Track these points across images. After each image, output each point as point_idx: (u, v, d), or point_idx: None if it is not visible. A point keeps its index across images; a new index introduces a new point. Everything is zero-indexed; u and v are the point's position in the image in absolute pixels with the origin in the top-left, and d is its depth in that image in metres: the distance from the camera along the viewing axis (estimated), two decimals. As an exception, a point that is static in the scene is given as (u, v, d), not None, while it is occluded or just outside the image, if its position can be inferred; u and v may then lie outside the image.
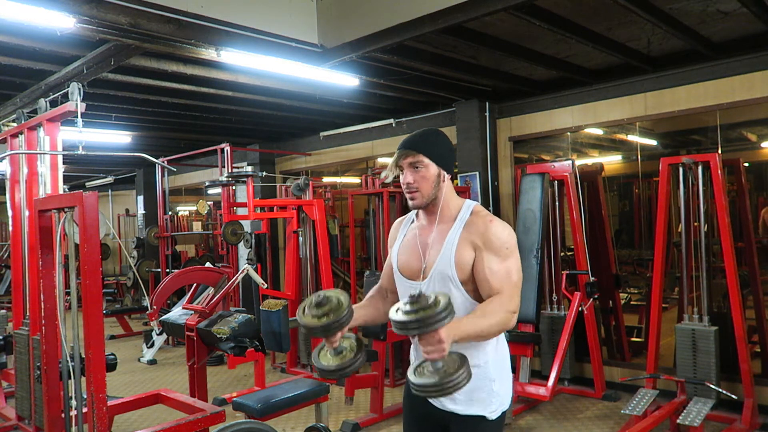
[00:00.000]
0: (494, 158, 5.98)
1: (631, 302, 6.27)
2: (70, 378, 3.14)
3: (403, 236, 2.05)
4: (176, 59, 4.32)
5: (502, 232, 1.84)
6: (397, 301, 1.94)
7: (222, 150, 6.81)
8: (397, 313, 1.60)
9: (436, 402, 1.95)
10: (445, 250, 1.86)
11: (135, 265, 8.54)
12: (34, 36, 3.65)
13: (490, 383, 1.88)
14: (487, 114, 5.92)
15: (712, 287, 4.64)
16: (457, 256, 1.84)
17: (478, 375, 1.87)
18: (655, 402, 4.27)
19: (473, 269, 1.84)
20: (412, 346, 2.06)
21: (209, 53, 3.82)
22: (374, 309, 2.11)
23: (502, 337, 1.97)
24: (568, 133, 5.73)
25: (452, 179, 1.96)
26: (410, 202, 1.93)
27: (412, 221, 2.06)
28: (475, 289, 1.86)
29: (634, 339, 5.82)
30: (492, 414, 1.89)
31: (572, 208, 5.20)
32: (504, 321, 1.76)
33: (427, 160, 1.88)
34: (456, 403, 1.90)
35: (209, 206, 9.20)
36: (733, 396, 4.08)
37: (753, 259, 4.88)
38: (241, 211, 6.74)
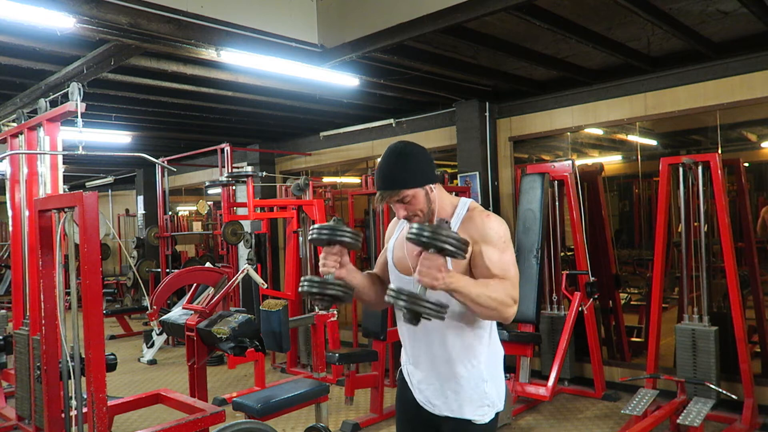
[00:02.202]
0: (494, 158, 5.98)
1: (631, 302, 6.27)
2: (70, 378, 3.14)
3: (399, 232, 2.03)
4: (176, 59, 4.32)
5: (499, 226, 1.83)
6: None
7: (222, 150, 6.81)
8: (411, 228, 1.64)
9: (427, 405, 1.93)
10: None
11: (135, 265, 8.54)
12: (34, 36, 3.64)
13: (483, 384, 1.86)
14: (487, 114, 5.92)
15: (712, 287, 4.64)
16: None
17: (471, 375, 1.86)
18: (655, 402, 4.27)
19: (471, 263, 1.81)
20: (402, 348, 2.05)
21: (209, 53, 3.82)
22: (370, 282, 2.04)
23: (495, 336, 1.95)
24: (568, 133, 5.73)
25: (440, 181, 1.94)
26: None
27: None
28: None
29: (634, 339, 5.82)
30: (483, 417, 1.86)
31: (572, 208, 5.20)
32: (504, 302, 1.70)
33: (410, 191, 1.81)
34: (447, 405, 1.88)
35: (209, 206, 9.20)
36: (733, 396, 4.08)
37: (753, 259, 4.88)
38: (241, 211, 6.74)
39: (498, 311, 1.70)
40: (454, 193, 6.24)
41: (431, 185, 1.86)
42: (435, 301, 1.61)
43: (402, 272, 1.95)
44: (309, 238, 1.82)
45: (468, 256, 1.79)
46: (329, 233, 1.77)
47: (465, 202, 1.92)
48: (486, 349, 1.89)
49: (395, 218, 2.12)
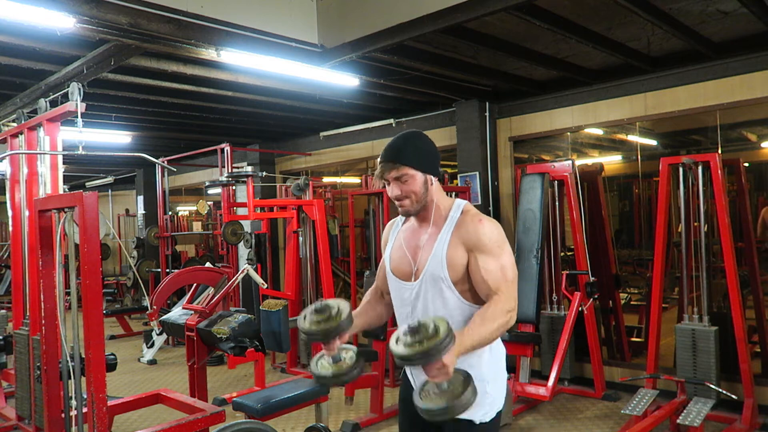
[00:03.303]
0: (494, 158, 5.98)
1: (631, 302, 6.26)
2: (70, 378, 3.14)
3: (394, 237, 2.05)
4: (176, 59, 4.32)
5: (492, 231, 1.84)
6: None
7: (222, 150, 6.81)
8: (398, 344, 1.58)
9: None
10: (436, 251, 1.86)
11: (135, 265, 8.54)
12: (34, 36, 3.64)
13: (484, 384, 1.85)
14: (487, 114, 5.92)
15: (712, 287, 4.64)
16: (449, 257, 1.84)
17: (473, 376, 1.86)
18: (655, 402, 4.27)
19: (469, 272, 1.83)
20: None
21: (209, 53, 3.82)
22: (372, 314, 2.11)
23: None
24: (568, 133, 5.73)
25: (440, 180, 1.95)
26: (400, 209, 1.93)
27: (404, 222, 2.06)
28: (468, 289, 1.85)
29: (634, 339, 5.82)
30: (484, 416, 1.87)
31: (572, 208, 5.20)
32: (504, 322, 1.75)
33: (411, 171, 1.85)
34: None
35: (209, 206, 9.20)
36: (733, 396, 4.08)
37: (753, 259, 4.87)
38: (241, 211, 6.74)
39: (505, 328, 1.77)
40: (453, 193, 6.23)
41: (432, 177, 1.90)
42: (465, 396, 1.57)
43: (401, 278, 1.97)
44: (301, 337, 1.79)
45: (465, 263, 1.82)
46: (323, 336, 1.75)
47: (459, 205, 1.93)
48: (488, 348, 1.89)
49: (389, 223, 2.13)
